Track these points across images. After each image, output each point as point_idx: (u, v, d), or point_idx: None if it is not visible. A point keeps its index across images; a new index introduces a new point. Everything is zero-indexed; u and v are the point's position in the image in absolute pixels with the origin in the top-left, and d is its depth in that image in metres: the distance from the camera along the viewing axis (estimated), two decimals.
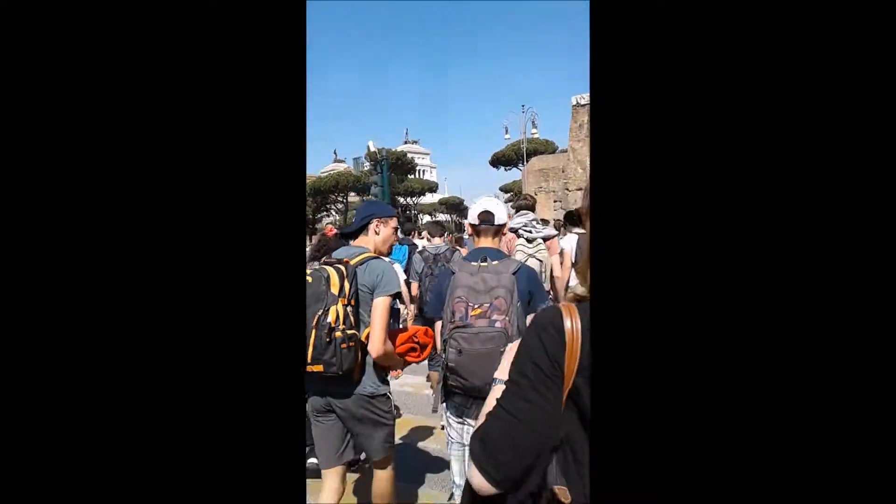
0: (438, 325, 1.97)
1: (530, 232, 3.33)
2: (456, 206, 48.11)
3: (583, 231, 3.60)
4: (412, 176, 44.75)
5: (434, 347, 2.07)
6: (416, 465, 2.97)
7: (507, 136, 27.00)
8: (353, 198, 38.77)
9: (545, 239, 3.45)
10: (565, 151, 17.66)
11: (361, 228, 1.99)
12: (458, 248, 4.21)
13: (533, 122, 24.30)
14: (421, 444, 3.33)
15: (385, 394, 1.90)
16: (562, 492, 0.66)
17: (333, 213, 40.83)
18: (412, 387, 4.58)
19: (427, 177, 57.31)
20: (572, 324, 0.68)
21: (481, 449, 0.70)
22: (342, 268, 1.80)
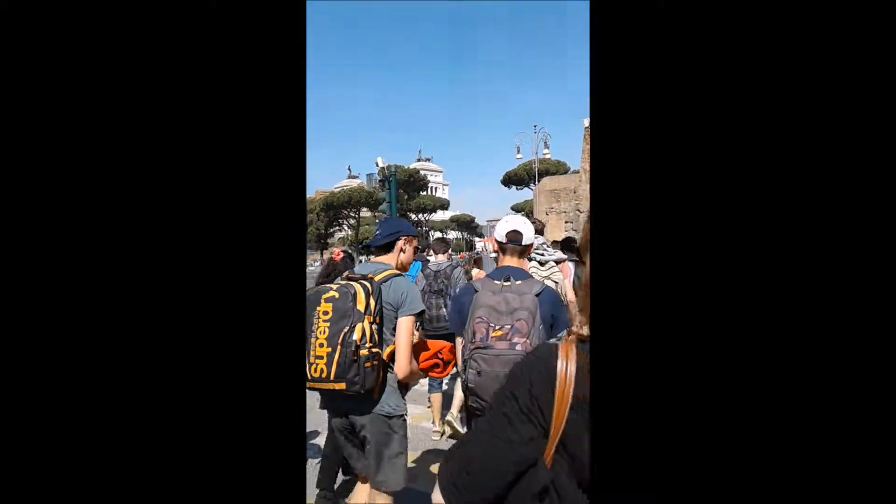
0: (459, 341, 1.94)
1: (542, 255, 3.32)
2: (467, 224, 48.27)
3: (576, 259, 3.57)
4: (424, 193, 45.12)
5: (455, 365, 2.04)
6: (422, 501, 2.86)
7: (519, 156, 27.13)
8: (364, 213, 39.11)
9: (557, 262, 3.43)
10: (577, 172, 17.68)
11: (390, 244, 1.97)
12: (462, 266, 4.16)
13: (545, 142, 24.39)
14: (424, 480, 3.19)
15: (402, 415, 1.87)
16: None
17: (346, 227, 41.17)
18: (412, 417, 4.09)
19: (439, 194, 57.66)
20: (566, 366, 0.64)
21: (444, 467, 0.69)
22: (368, 284, 1.77)
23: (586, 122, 16.06)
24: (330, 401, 1.85)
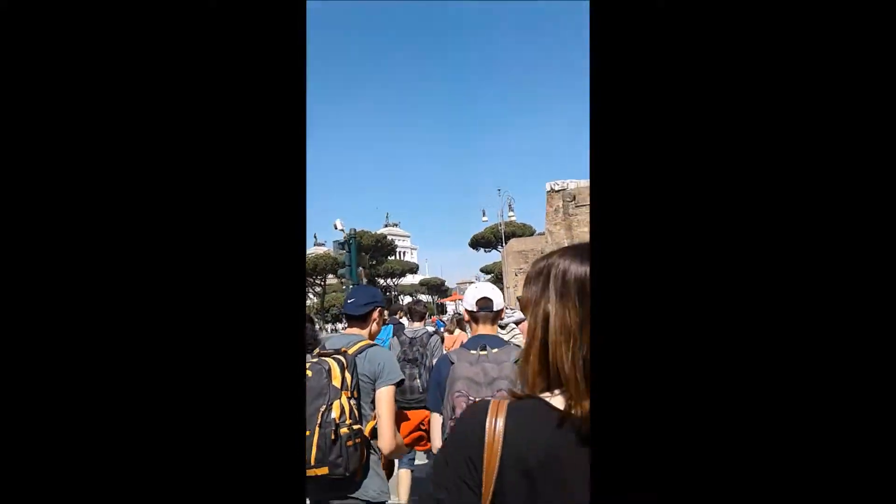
0: (437, 419, 1.83)
1: (501, 318, 3.29)
2: (437, 287, 48.24)
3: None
4: (392, 257, 45.18)
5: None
6: None
7: (485, 219, 27.77)
8: (331, 280, 38.60)
9: (517, 323, 3.40)
10: (542, 234, 18.14)
11: (367, 314, 1.91)
12: (438, 332, 4.04)
13: (510, 205, 25.13)
14: None
15: (385, 502, 1.72)
16: None
17: (311, 295, 40.39)
18: None
19: (408, 258, 57.80)
20: (493, 425, 0.64)
21: None
22: (342, 358, 1.69)
23: (548, 187, 16.72)
24: (311, 493, 1.68)
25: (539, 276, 0.70)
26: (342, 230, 12.49)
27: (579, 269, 0.66)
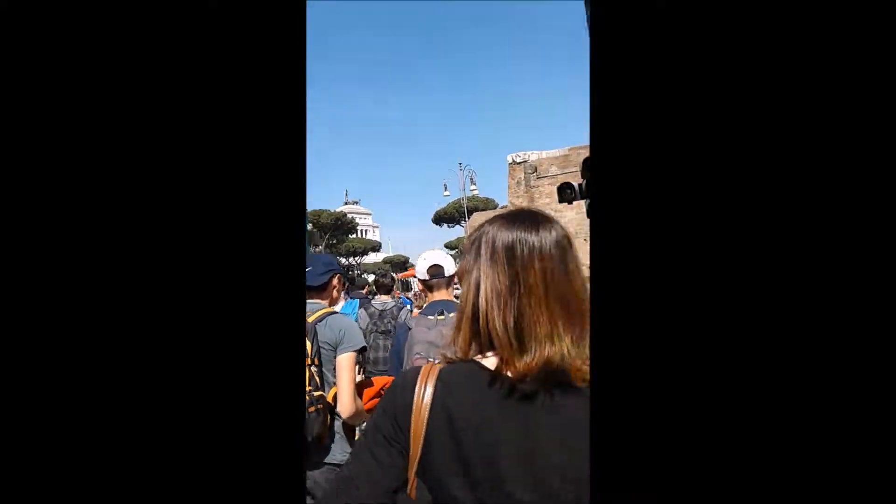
0: None
1: (458, 287, 3.35)
2: (401, 265, 48.29)
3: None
4: (353, 236, 44.76)
5: None
6: None
7: (447, 194, 27.81)
8: None
9: None
10: (506, 207, 18.31)
11: (326, 283, 1.90)
12: (407, 308, 4.10)
13: (472, 179, 25.15)
14: None
15: None
16: None
17: None
18: None
19: (370, 236, 57.42)
20: (422, 391, 0.66)
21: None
22: None
23: (509, 159, 16.80)
24: None
25: (472, 246, 0.72)
26: None
27: (507, 235, 0.68)
